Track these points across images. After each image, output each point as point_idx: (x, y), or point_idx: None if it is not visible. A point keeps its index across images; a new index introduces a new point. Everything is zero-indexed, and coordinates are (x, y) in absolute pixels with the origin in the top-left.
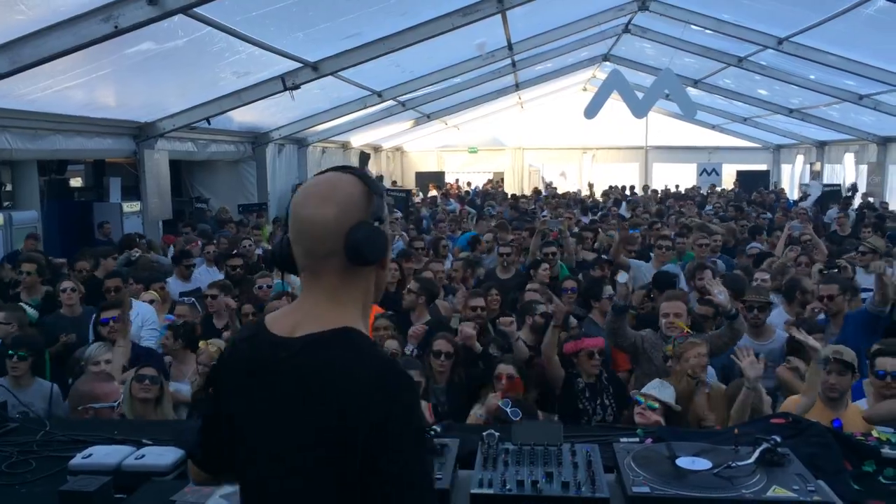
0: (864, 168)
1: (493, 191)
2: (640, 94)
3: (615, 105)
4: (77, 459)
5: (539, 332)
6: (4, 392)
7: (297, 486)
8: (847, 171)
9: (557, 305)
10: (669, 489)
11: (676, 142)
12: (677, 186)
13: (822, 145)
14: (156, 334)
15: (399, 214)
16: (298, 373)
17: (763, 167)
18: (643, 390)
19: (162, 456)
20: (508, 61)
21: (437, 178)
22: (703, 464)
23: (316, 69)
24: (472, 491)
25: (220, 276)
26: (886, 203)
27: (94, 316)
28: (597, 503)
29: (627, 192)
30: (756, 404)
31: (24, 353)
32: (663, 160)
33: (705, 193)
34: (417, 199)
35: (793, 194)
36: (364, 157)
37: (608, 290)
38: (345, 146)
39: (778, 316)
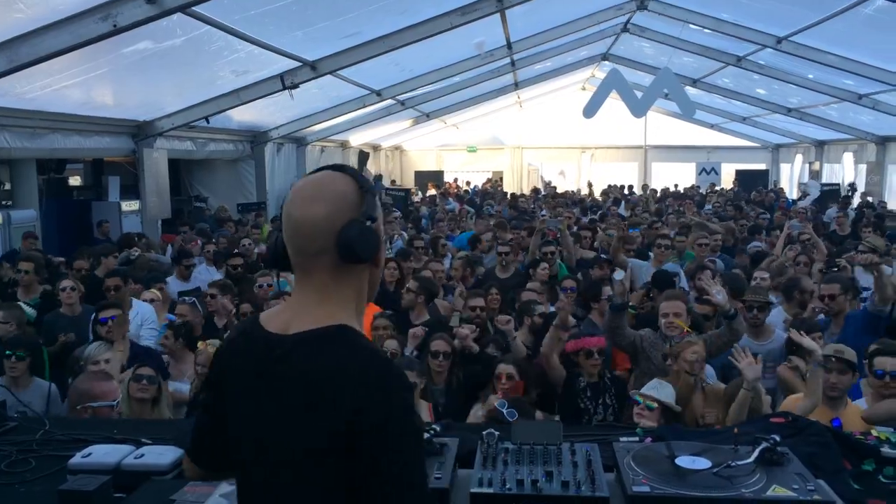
0: (863, 167)
1: (492, 190)
2: (638, 94)
3: (614, 104)
4: (76, 459)
5: (537, 334)
6: (3, 392)
7: (295, 487)
8: (846, 171)
9: (563, 305)
10: (669, 488)
11: (675, 141)
12: (676, 186)
13: (821, 145)
14: (155, 334)
15: (398, 213)
16: (295, 373)
17: (762, 166)
18: (642, 390)
19: (161, 455)
20: (507, 60)
21: (436, 177)
22: (702, 463)
23: (315, 68)
24: (472, 490)
25: (220, 276)
26: (885, 202)
27: (93, 315)
28: (597, 502)
29: (626, 192)
30: (755, 404)
31: (23, 353)
32: (662, 159)
33: (704, 193)
34: (416, 199)
35: (792, 193)
36: (363, 156)
37: (607, 290)
38: (344, 145)
39: (777, 315)
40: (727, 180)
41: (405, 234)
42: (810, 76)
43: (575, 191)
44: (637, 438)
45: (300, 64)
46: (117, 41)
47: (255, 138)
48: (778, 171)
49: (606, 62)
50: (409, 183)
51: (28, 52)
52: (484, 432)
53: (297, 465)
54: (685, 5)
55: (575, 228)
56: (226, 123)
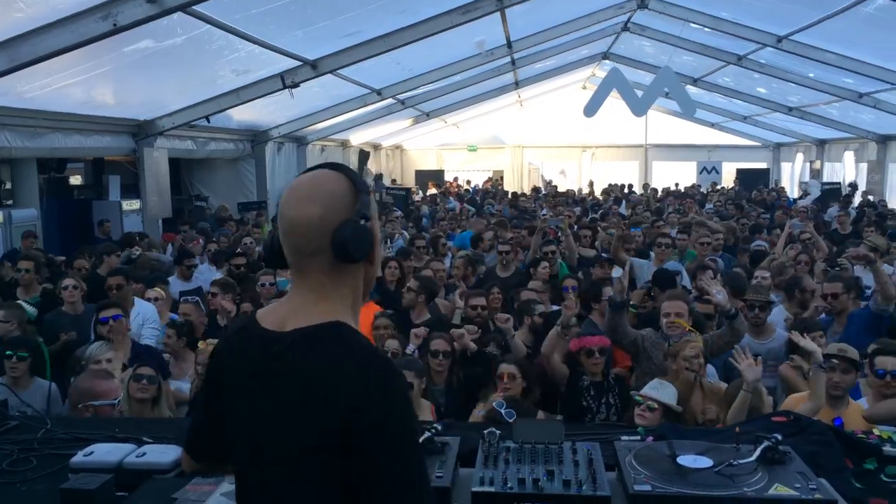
0: (863, 166)
1: (493, 189)
2: (639, 93)
3: (615, 103)
4: (78, 457)
5: (537, 333)
6: (4, 391)
7: (291, 485)
8: (847, 170)
9: (570, 306)
10: (671, 487)
11: (676, 140)
12: (677, 185)
13: (821, 143)
14: (156, 333)
15: (399, 213)
16: (291, 370)
17: (763, 165)
18: (642, 391)
19: (163, 454)
20: (508, 59)
21: (436, 176)
22: (704, 462)
23: (315, 67)
24: (474, 489)
25: (220, 276)
26: (885, 201)
27: (95, 314)
28: (598, 501)
29: (626, 191)
30: (756, 405)
31: (25, 353)
32: (663, 158)
33: (706, 192)
34: (417, 198)
35: (793, 192)
36: (363, 156)
37: (608, 291)
38: (344, 144)
39: (778, 314)
40: (728, 179)
41: (406, 234)
42: (811, 75)
43: (576, 190)
44: (638, 437)
45: (300, 63)
46: (118, 40)
47: (256, 137)
48: (779, 170)
49: (607, 61)
50: (410, 182)
51: (28, 52)
52: (485, 431)
53: (292, 462)
54: (686, 4)
55: (575, 227)
56: (226, 122)
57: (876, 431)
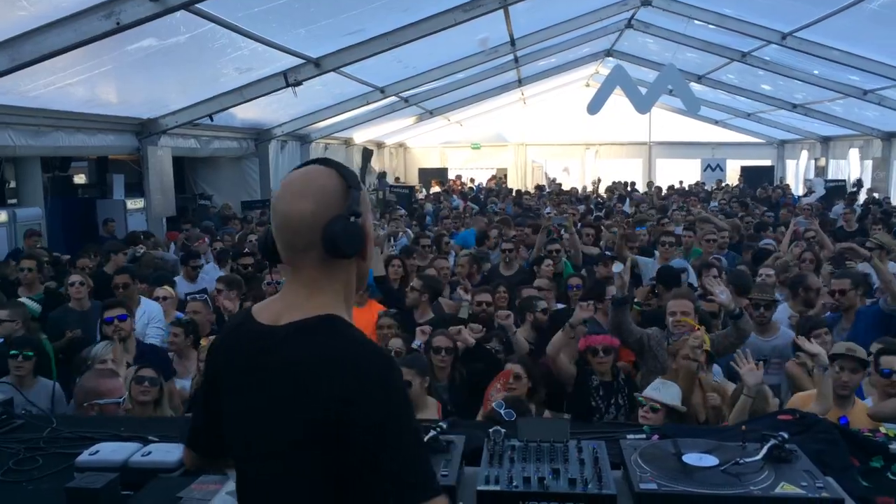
0: (868, 163)
1: (496, 187)
2: (643, 90)
3: (618, 101)
4: (84, 456)
5: (540, 330)
6: (8, 391)
7: (284, 479)
8: (852, 167)
9: (585, 308)
10: (677, 486)
11: (680, 137)
12: (681, 182)
13: (826, 141)
14: (161, 333)
15: (403, 211)
16: (283, 364)
17: (767, 163)
18: (644, 392)
19: (169, 452)
20: (511, 57)
21: (440, 174)
22: (710, 460)
23: (318, 65)
24: (479, 488)
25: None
26: (888, 198)
27: (100, 313)
28: (604, 500)
29: (629, 188)
30: (760, 407)
31: (30, 352)
32: (667, 156)
33: (710, 190)
34: (421, 196)
35: (797, 190)
36: (367, 154)
37: (611, 290)
38: (347, 142)
39: (782, 311)
40: (732, 177)
41: (409, 232)
42: (815, 72)
43: (580, 188)
44: (644, 436)
45: (304, 61)
46: (121, 38)
47: (259, 136)
48: (783, 168)
49: (610, 58)
50: (413, 180)
51: (31, 50)
52: (490, 430)
53: (286, 456)
54: (689, 1)
55: (578, 225)
56: (230, 121)
57: (882, 429)
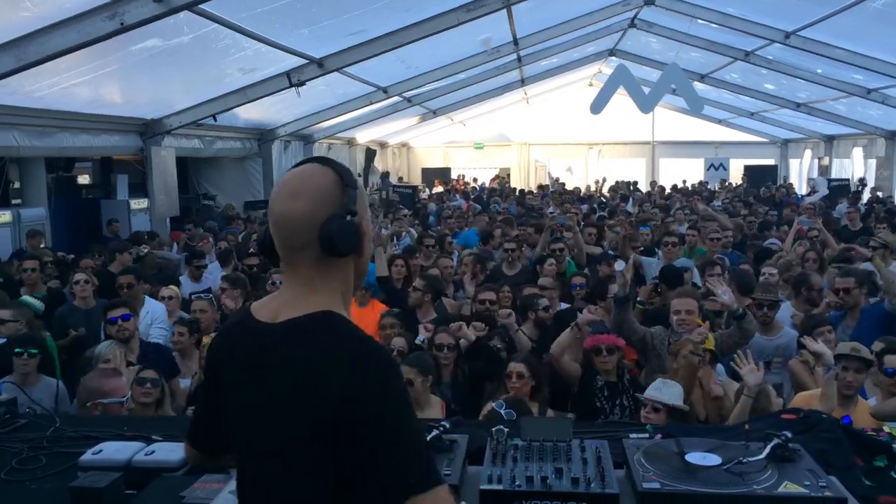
0: (872, 162)
1: (499, 187)
2: (646, 89)
3: (621, 100)
4: (87, 455)
5: (542, 328)
6: (12, 390)
7: (284, 476)
8: (856, 166)
9: (591, 310)
10: (680, 485)
11: (683, 137)
12: (684, 182)
13: (829, 140)
14: (164, 333)
15: (406, 211)
16: (282, 361)
17: (771, 162)
18: (645, 393)
19: (172, 452)
20: (514, 57)
21: (443, 174)
22: (713, 459)
23: (321, 65)
24: (482, 487)
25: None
26: (892, 197)
27: (104, 312)
28: (607, 499)
29: (632, 188)
30: (763, 407)
31: (35, 350)
32: (670, 155)
33: (714, 189)
34: (424, 196)
35: (801, 189)
36: (370, 154)
37: (613, 288)
38: (351, 142)
39: (785, 310)
40: (736, 176)
41: (413, 231)
42: (819, 71)
43: (583, 188)
44: (647, 435)
45: (307, 61)
46: (125, 39)
47: (263, 136)
48: (787, 167)
49: (613, 58)
50: (417, 180)
51: (35, 51)
52: (493, 429)
53: (285, 454)
54: (693, 0)
55: (581, 225)
56: (233, 121)
57: (886, 429)
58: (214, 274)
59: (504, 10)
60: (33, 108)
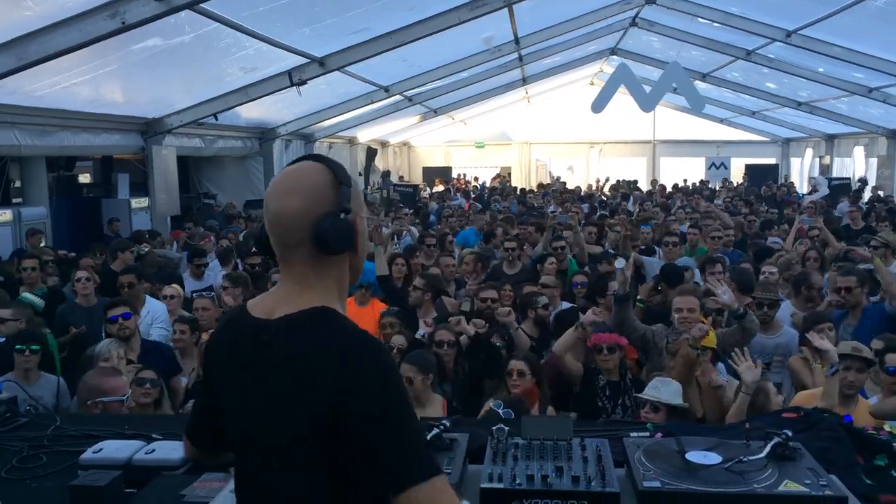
0: (873, 161)
1: (500, 186)
2: (647, 88)
3: (623, 99)
4: (88, 454)
5: (542, 325)
6: (12, 388)
7: (282, 473)
8: (857, 165)
9: (596, 312)
10: (680, 484)
11: (684, 136)
12: (685, 181)
13: (831, 138)
14: (164, 333)
15: (407, 210)
16: (279, 358)
17: (772, 161)
18: (643, 392)
19: (172, 450)
20: (515, 56)
21: (444, 173)
22: (713, 458)
23: (323, 64)
24: (482, 486)
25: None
26: (892, 196)
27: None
28: (607, 498)
29: (632, 187)
30: (763, 404)
31: (37, 346)
32: (671, 154)
33: (715, 188)
34: (425, 194)
35: (802, 188)
36: (371, 153)
37: (613, 285)
38: (352, 141)
39: (785, 309)
40: (737, 175)
41: (414, 230)
42: (820, 70)
43: (584, 187)
44: (647, 434)
45: (308, 60)
46: (126, 38)
47: (264, 135)
48: (788, 166)
49: (615, 57)
50: (417, 179)
51: (36, 50)
52: (494, 428)
53: (283, 451)
54: None
55: (582, 223)
56: (234, 120)
57: (887, 427)
58: (216, 271)
59: (505, 9)
60: (34, 107)
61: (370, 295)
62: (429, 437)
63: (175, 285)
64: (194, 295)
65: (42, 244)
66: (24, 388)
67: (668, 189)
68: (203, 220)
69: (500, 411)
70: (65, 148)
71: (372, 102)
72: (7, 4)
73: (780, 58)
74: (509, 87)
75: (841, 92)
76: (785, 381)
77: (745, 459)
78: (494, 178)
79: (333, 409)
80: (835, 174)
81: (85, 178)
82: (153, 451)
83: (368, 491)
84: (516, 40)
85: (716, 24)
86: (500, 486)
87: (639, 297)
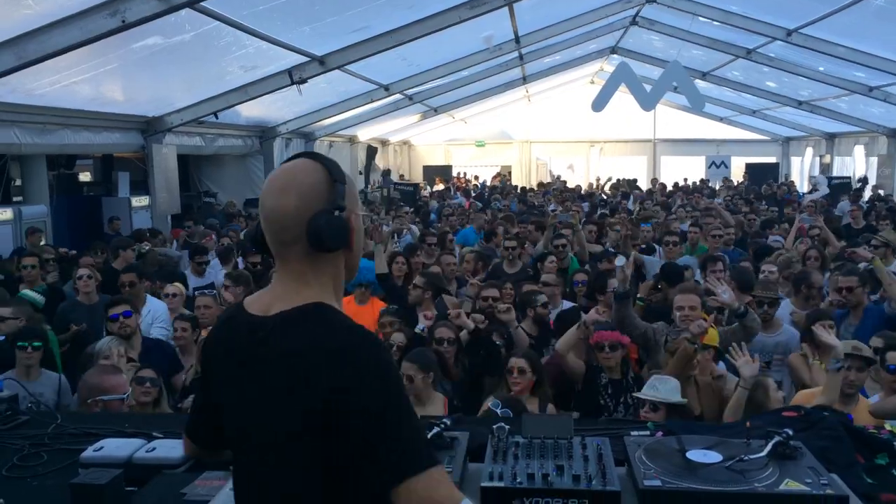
0: (874, 160)
1: (500, 185)
2: (647, 87)
3: (623, 98)
4: (88, 452)
5: (541, 324)
6: (13, 386)
7: (278, 470)
8: (857, 164)
9: (601, 311)
10: (681, 482)
11: (685, 134)
12: (686, 180)
13: (831, 137)
14: (165, 332)
15: (408, 208)
16: (275, 355)
17: (772, 160)
18: (642, 392)
19: (173, 449)
20: (515, 54)
21: (444, 171)
22: (714, 457)
23: (323, 63)
24: (483, 484)
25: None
26: (892, 195)
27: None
28: (608, 496)
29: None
30: (761, 401)
31: (39, 342)
32: (671, 153)
33: (716, 187)
34: (425, 193)
35: (802, 187)
36: (371, 151)
37: (612, 283)
38: (352, 140)
39: (784, 307)
40: (737, 174)
41: (414, 229)
42: (821, 68)
43: (585, 185)
44: (648, 432)
45: (308, 59)
46: (126, 37)
47: (264, 133)
48: (788, 165)
49: (615, 55)
50: (418, 178)
51: (36, 49)
52: (494, 426)
53: (279, 448)
54: None
55: (582, 222)
56: (234, 119)
57: (887, 426)
58: (217, 269)
59: (506, 8)
60: (34, 105)
61: (370, 293)
62: (429, 436)
63: (177, 283)
64: (196, 293)
65: (42, 242)
66: (24, 385)
67: (669, 188)
68: (203, 218)
69: (499, 410)
70: (65, 146)
71: (372, 101)
72: (7, 3)
73: (780, 57)
74: (509, 85)
75: (841, 91)
76: (785, 379)
77: (746, 458)
78: (495, 177)
79: (328, 406)
80: (835, 173)
81: (85, 177)
82: (154, 449)
83: (366, 487)
84: (516, 39)
85: (716, 23)
86: (501, 484)
87: (639, 296)
